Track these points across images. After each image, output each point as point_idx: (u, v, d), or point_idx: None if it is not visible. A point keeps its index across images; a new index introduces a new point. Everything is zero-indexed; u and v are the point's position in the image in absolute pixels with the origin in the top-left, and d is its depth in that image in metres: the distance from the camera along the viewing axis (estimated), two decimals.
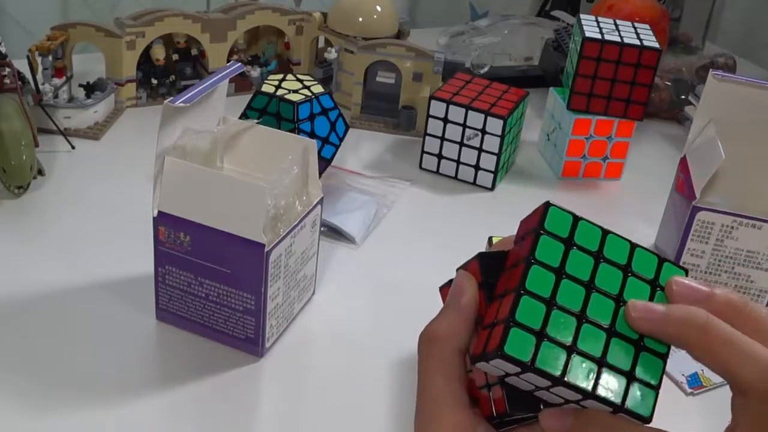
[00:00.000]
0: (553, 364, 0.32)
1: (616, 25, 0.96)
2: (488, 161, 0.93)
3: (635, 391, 0.32)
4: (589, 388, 0.32)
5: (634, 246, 0.35)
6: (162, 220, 0.63)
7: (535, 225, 0.34)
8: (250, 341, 0.65)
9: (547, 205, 0.34)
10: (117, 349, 0.66)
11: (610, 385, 0.32)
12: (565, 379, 0.32)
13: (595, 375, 0.32)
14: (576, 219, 0.34)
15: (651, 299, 0.34)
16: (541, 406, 0.34)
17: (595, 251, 0.34)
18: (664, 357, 0.33)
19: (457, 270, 0.37)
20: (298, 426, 0.62)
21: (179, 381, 0.64)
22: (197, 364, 0.65)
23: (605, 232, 0.35)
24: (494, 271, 0.36)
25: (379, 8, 1.08)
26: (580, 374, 0.32)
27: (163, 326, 0.68)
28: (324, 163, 0.83)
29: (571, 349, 0.32)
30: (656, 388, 0.33)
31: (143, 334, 0.68)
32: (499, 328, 0.32)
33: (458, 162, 0.95)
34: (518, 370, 0.32)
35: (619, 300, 0.34)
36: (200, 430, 0.61)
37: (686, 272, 0.35)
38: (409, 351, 0.69)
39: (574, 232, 0.34)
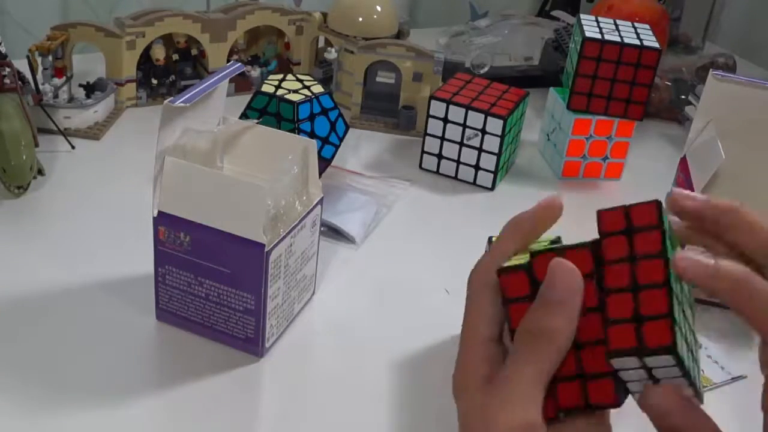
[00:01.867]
0: (684, 356, 0.33)
1: (616, 25, 0.96)
2: (488, 161, 0.93)
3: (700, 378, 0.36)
4: (695, 378, 0.35)
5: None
6: (162, 220, 0.63)
7: (652, 222, 0.34)
8: (250, 341, 0.65)
9: (659, 203, 0.34)
10: (117, 349, 0.66)
11: (697, 373, 0.36)
12: (685, 368, 0.33)
13: (691, 361, 0.35)
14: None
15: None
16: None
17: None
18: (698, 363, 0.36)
19: (553, 261, 0.35)
20: (298, 426, 0.62)
21: (179, 381, 0.64)
22: (197, 364, 0.65)
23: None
24: (598, 262, 0.35)
25: (379, 8, 1.08)
26: (689, 362, 0.34)
27: (163, 326, 0.68)
28: (324, 163, 0.83)
29: (687, 340, 0.34)
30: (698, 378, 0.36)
31: (143, 334, 0.68)
32: (663, 324, 0.33)
33: (458, 162, 0.95)
34: (639, 364, 0.33)
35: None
36: (200, 430, 0.61)
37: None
38: (409, 350, 0.69)
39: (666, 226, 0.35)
